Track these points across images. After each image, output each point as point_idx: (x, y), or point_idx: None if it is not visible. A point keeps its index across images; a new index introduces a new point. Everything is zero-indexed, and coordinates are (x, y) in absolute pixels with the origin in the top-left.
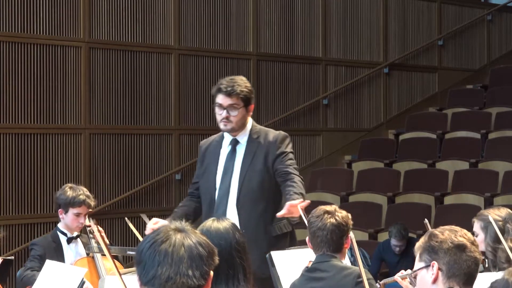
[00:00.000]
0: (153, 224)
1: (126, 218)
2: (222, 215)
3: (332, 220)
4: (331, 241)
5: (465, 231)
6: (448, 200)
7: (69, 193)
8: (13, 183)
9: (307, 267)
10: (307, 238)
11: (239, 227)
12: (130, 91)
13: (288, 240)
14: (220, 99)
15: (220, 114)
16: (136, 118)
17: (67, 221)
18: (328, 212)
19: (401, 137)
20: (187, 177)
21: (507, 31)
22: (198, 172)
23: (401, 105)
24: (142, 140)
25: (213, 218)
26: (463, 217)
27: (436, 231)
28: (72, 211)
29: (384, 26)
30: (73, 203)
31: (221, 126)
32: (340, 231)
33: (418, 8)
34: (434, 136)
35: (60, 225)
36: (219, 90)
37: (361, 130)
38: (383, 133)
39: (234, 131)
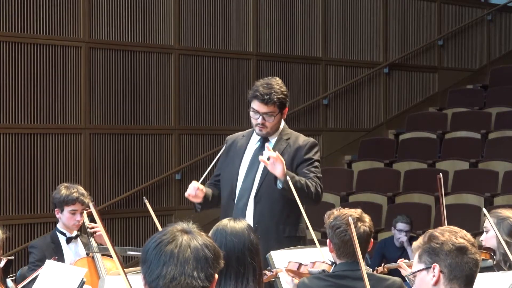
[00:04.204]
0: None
1: (144, 198)
2: (243, 207)
3: (365, 228)
4: (364, 250)
5: (464, 232)
6: (448, 200)
7: (63, 191)
8: (13, 183)
9: (324, 270)
10: (328, 241)
11: (253, 220)
12: (130, 91)
13: (300, 245)
14: (256, 105)
15: (255, 119)
16: (136, 118)
17: (63, 220)
18: (359, 219)
19: (401, 137)
20: (187, 177)
21: (507, 31)
22: (221, 165)
23: (401, 105)
24: (142, 140)
25: (229, 218)
26: (463, 217)
27: (436, 233)
28: (67, 209)
29: (384, 26)
30: (67, 201)
31: (257, 130)
32: (370, 238)
33: (418, 8)
34: (434, 136)
35: (59, 225)
36: (256, 97)
37: (361, 130)
38: (383, 133)
39: (269, 135)
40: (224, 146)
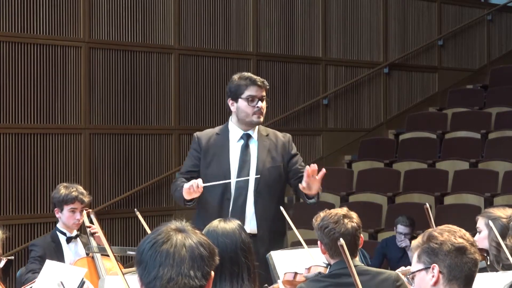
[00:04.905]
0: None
1: (136, 210)
2: (242, 205)
3: (353, 224)
4: (355, 246)
5: (463, 231)
6: (448, 200)
7: (62, 191)
8: (13, 183)
9: (320, 273)
10: (319, 243)
11: (255, 218)
12: (130, 91)
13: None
14: (254, 91)
15: (254, 106)
16: (136, 118)
17: (63, 219)
18: (345, 216)
19: (401, 137)
20: None
21: (507, 31)
22: (197, 162)
23: (401, 105)
24: (142, 140)
25: (219, 219)
26: (463, 217)
27: (435, 233)
28: (66, 208)
29: (384, 26)
30: (66, 200)
31: (254, 118)
32: (359, 233)
33: (418, 8)
34: (434, 136)
35: (59, 225)
36: (254, 83)
37: (361, 130)
38: (383, 133)
39: (261, 123)
40: (196, 143)
